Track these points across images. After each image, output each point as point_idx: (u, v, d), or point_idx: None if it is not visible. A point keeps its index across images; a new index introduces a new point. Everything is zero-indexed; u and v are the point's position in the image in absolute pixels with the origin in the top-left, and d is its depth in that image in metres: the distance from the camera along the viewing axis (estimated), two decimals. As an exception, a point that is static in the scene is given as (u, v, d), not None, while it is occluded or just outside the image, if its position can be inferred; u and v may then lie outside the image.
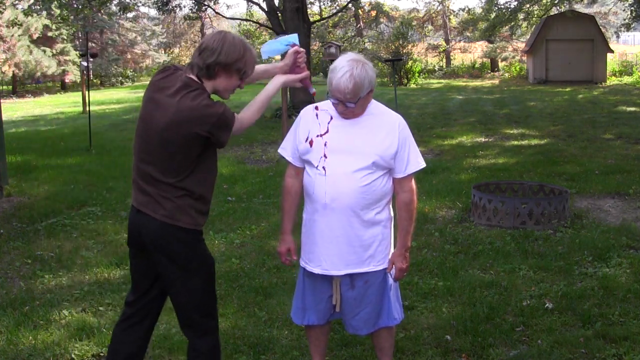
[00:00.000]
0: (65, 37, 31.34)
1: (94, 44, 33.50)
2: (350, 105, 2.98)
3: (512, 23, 31.17)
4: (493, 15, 31.80)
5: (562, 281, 4.94)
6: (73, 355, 3.88)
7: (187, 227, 2.84)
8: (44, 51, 28.93)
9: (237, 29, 39.84)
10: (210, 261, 2.98)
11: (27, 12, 23.08)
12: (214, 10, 23.28)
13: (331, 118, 3.09)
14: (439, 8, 42.62)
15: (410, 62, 29.87)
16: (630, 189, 7.82)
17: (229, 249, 5.92)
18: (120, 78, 37.32)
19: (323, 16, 32.02)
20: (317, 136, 3.07)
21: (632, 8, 25.62)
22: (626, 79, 29.07)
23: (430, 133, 13.28)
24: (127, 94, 28.47)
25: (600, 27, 30.49)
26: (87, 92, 18.07)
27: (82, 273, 5.35)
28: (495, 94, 23.70)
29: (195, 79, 2.84)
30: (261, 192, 8.13)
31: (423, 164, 3.17)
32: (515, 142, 11.93)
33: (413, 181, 3.17)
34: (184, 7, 26.53)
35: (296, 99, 15.83)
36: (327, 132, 3.07)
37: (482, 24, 36.23)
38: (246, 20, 29.69)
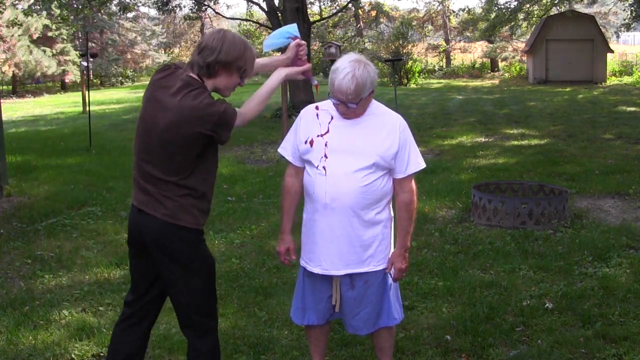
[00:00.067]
0: (65, 37, 31.36)
1: (94, 44, 33.52)
2: (352, 106, 2.99)
3: (512, 23, 31.15)
4: (493, 15, 31.78)
5: (562, 281, 4.94)
6: (73, 355, 3.88)
7: (189, 227, 2.84)
8: (44, 51, 28.94)
9: (237, 29, 39.80)
10: (211, 261, 2.97)
11: (27, 12, 23.06)
12: (214, 10, 23.30)
13: (332, 118, 3.09)
14: (439, 8, 42.60)
15: (410, 62, 29.88)
16: (630, 189, 7.82)
17: (229, 249, 5.92)
18: (120, 78, 37.36)
19: (323, 16, 32.02)
20: (318, 136, 3.07)
21: (632, 8, 25.62)
22: (626, 79, 29.07)
23: (430, 133, 13.27)
24: (127, 94, 28.47)
25: (600, 27, 30.49)
26: (87, 92, 18.07)
27: (82, 273, 5.35)
28: (495, 94, 23.69)
29: (196, 77, 2.84)
30: (261, 192, 8.13)
31: (423, 165, 3.18)
32: (515, 142, 11.93)
33: (413, 182, 3.17)
34: (184, 7, 26.58)
35: (296, 99, 15.82)
36: (327, 132, 3.07)
37: (482, 24, 36.21)
38: (246, 20, 29.67)
